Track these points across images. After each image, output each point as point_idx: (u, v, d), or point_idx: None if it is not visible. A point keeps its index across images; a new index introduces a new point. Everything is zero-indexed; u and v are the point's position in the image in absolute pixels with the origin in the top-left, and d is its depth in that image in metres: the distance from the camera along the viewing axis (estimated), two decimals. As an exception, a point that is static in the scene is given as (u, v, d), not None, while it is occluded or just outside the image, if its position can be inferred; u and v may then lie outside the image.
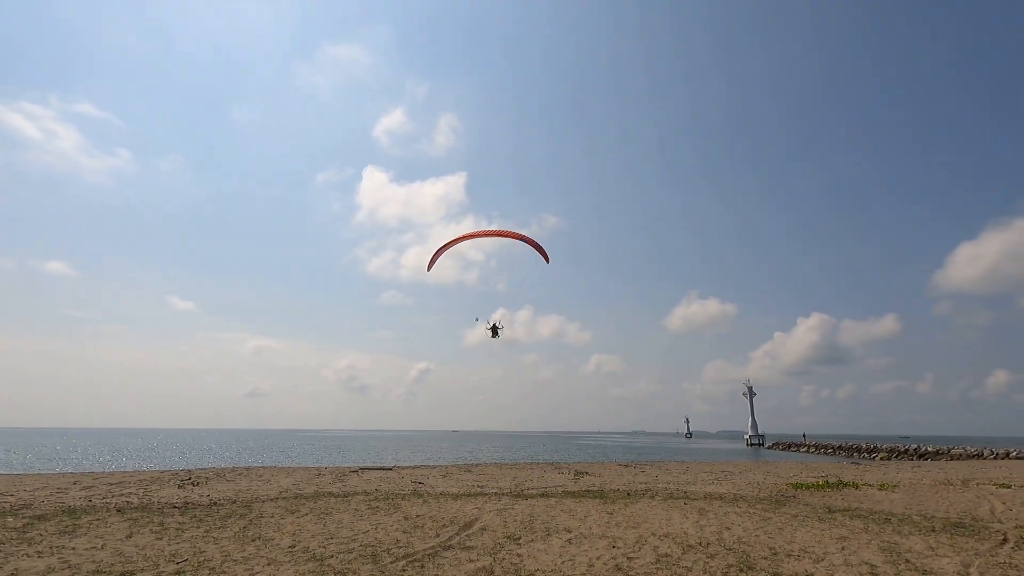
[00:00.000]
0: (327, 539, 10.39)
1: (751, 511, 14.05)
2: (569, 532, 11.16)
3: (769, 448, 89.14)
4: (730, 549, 9.74)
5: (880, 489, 19.97)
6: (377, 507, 14.29)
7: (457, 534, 10.97)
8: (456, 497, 16.60)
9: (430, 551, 9.49)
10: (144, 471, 28.17)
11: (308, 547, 9.73)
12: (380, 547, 9.75)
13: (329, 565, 8.51)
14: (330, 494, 17.21)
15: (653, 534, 11.00)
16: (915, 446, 66.08)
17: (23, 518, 12.06)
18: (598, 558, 9.12)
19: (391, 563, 8.68)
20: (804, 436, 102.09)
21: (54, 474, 25.99)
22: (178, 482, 20.97)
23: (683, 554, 9.39)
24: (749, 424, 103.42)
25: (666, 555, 9.31)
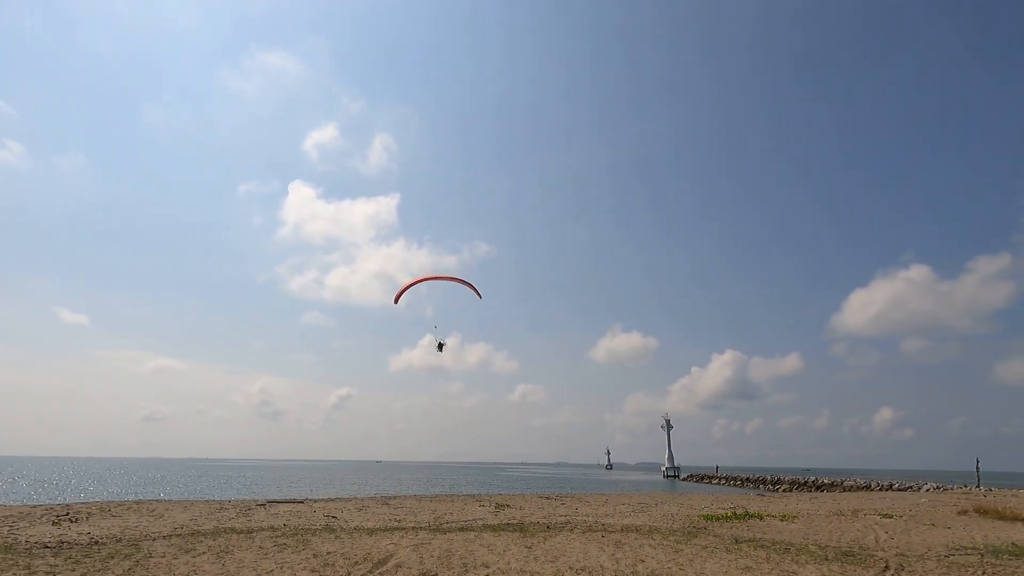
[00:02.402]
0: (225, 581, 9.60)
1: (665, 543, 14.43)
2: (487, 567, 10.96)
3: (684, 480, 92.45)
4: (643, 582, 9.93)
5: (782, 520, 21.15)
6: (284, 544, 13.40)
7: (370, 572, 10.49)
8: (371, 532, 15.89)
9: (339, 591, 8.99)
10: (12, 505, 24.89)
11: (202, 590, 8.93)
12: (284, 588, 9.12)
13: (225, 610, 7.85)
14: (232, 530, 15.95)
15: (570, 568, 11.03)
16: (814, 478, 70.86)
17: None
18: (514, 594, 9.00)
19: (295, 605, 8.14)
20: (717, 468, 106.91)
21: None
22: (53, 518, 18.68)
23: (598, 588, 9.46)
24: (666, 456, 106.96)
25: (582, 589, 9.34)
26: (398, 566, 11.03)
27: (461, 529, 16.95)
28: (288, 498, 32.52)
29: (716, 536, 16.16)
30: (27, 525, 16.94)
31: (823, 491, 56.81)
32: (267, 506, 25.42)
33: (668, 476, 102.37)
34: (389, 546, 13.30)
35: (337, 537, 14.72)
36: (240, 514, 21.47)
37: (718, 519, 21.24)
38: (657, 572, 10.77)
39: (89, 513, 20.51)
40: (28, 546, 12.76)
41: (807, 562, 12.07)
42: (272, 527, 16.90)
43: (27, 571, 10.03)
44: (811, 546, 14.45)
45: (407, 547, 13.17)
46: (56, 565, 10.59)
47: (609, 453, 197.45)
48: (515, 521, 19.89)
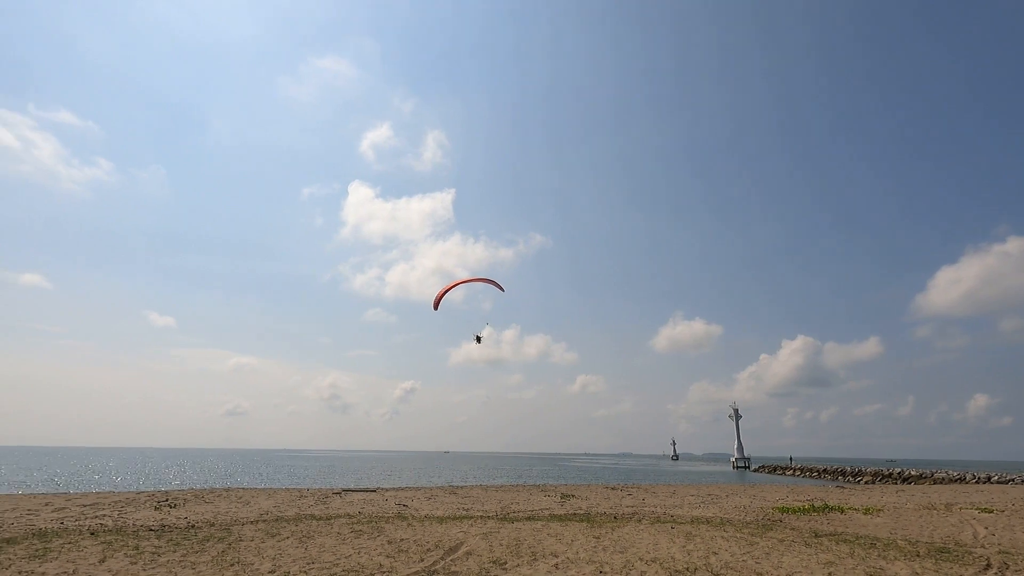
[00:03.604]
0: (308, 564, 10.15)
1: (738, 535, 13.99)
2: (556, 557, 11.02)
3: (755, 471, 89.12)
4: (717, 574, 9.67)
5: (865, 513, 20.02)
6: (360, 530, 14.02)
7: (442, 559, 10.78)
8: (441, 520, 16.34)
9: (414, 576, 9.31)
10: (119, 492, 27.40)
11: (289, 572, 9.49)
12: (363, 572, 9.54)
13: (310, 591, 8.31)
14: (312, 517, 16.85)
15: (640, 559, 10.90)
16: (899, 470, 66.53)
17: (-9, 541, 11.64)
18: (585, 584, 9.00)
19: (374, 589, 8.49)
20: (791, 459, 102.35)
21: (24, 495, 25.17)
22: (154, 504, 20.41)
23: (670, 579, 9.30)
24: (735, 446, 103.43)
25: (653, 581, 9.22)
26: (469, 553, 11.28)
27: (528, 518, 17.12)
28: (361, 487, 33.94)
29: (793, 529, 15.50)
30: (133, 510, 18.60)
31: (910, 483, 53.22)
32: (342, 494, 26.67)
33: (738, 467, 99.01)
34: (459, 534, 13.62)
35: (409, 525, 15.23)
36: (318, 502, 22.64)
37: (795, 511, 20.37)
38: (731, 565, 10.46)
39: (185, 500, 22.26)
40: (135, 528, 14.00)
41: (896, 558, 11.36)
42: (348, 514, 17.71)
43: (135, 551, 11.01)
44: (900, 541, 13.59)
45: (476, 535, 13.44)
46: (160, 546, 11.56)
47: (674, 443, 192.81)
48: (581, 511, 19.88)
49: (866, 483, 56.58)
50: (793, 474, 76.80)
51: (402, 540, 12.70)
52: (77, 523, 15.07)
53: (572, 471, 77.01)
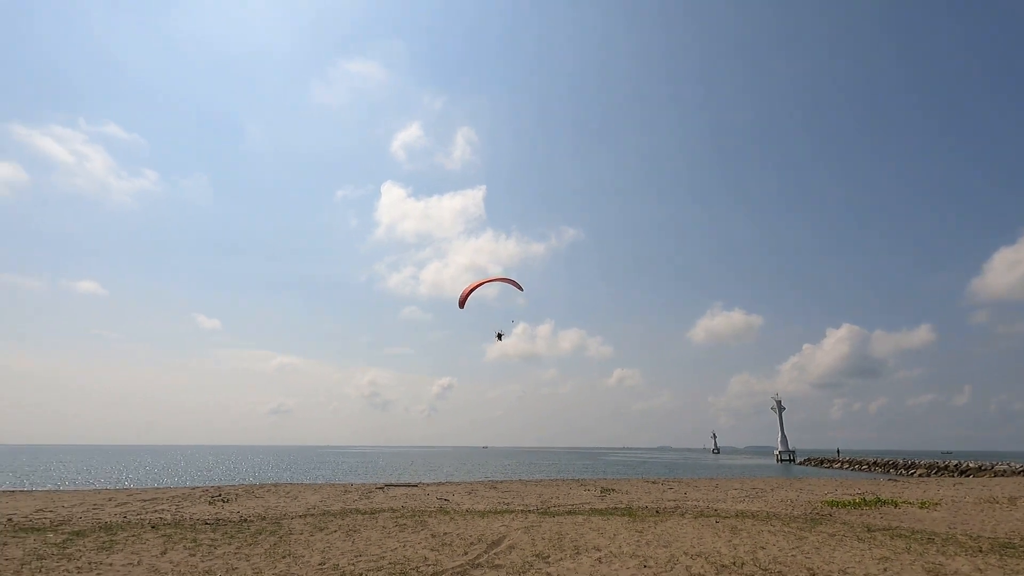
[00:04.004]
0: (356, 556, 10.42)
1: (786, 530, 13.66)
2: (599, 551, 10.99)
3: (800, 464, 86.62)
4: (765, 569, 9.47)
5: (921, 507, 19.24)
6: (404, 524, 14.29)
7: (485, 552, 10.90)
8: (483, 514, 16.50)
9: (459, 569, 9.44)
10: (175, 487, 28.67)
11: (338, 564, 9.76)
12: (409, 565, 9.74)
13: (359, 583, 8.53)
14: (357, 511, 17.26)
15: (685, 553, 10.77)
16: (956, 462, 63.56)
17: (62, 534, 12.37)
18: (629, 578, 8.95)
19: (420, 581, 8.65)
20: (838, 452, 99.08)
21: (89, 490, 26.62)
22: (208, 498, 21.28)
23: (717, 574, 9.16)
24: (779, 439, 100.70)
25: (699, 574, 9.10)
26: (512, 547, 11.36)
27: (569, 513, 17.11)
28: (403, 482, 34.56)
29: (844, 523, 15.02)
30: (189, 504, 19.44)
31: (968, 476, 50.77)
32: (385, 489, 27.22)
33: (782, 460, 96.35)
34: (501, 528, 13.73)
35: (451, 519, 15.44)
36: (362, 496, 23.18)
37: (845, 505, 19.73)
38: (780, 560, 10.23)
39: (237, 494, 23.12)
40: (192, 522, 14.64)
41: (957, 554, 10.88)
42: (392, 508, 18.07)
43: (194, 543, 11.51)
44: (960, 536, 13.01)
45: (518, 529, 13.53)
46: (215, 539, 12.05)
47: (715, 436, 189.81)
48: (622, 505, 19.75)
49: (920, 476, 54.29)
50: (841, 467, 74.33)
51: (445, 534, 12.89)
52: (139, 517, 15.86)
53: (610, 465, 76.50)
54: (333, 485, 30.62)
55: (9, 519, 15.00)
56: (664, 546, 11.48)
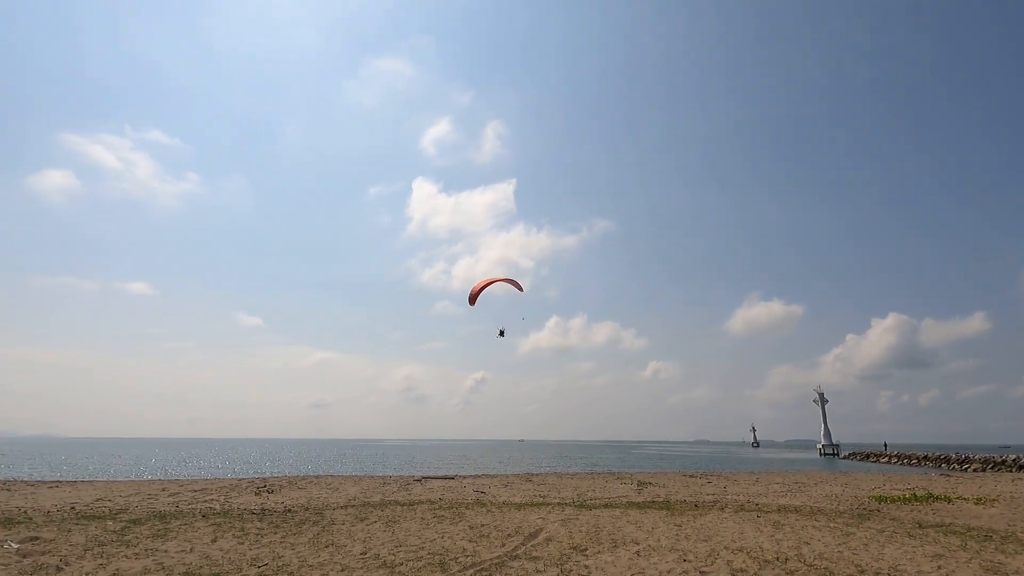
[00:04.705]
0: (396, 547, 10.62)
1: (831, 525, 13.27)
2: (637, 544, 10.91)
3: (845, 458, 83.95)
4: (811, 565, 9.23)
5: (977, 503, 18.40)
6: (442, 516, 14.49)
7: (523, 544, 10.95)
8: (519, 507, 16.59)
9: (497, 561, 9.52)
10: (223, 479, 29.80)
11: (379, 554, 9.98)
12: (447, 555, 9.87)
13: (400, 572, 8.69)
14: (396, 502, 17.60)
15: (726, 548, 10.58)
16: (1014, 456, 60.49)
17: (120, 522, 13.02)
18: (668, 571, 8.86)
19: (459, 572, 8.76)
20: (885, 445, 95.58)
21: (144, 481, 27.93)
22: (254, 490, 22.05)
23: (760, 569, 8.97)
24: (822, 432, 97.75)
25: (741, 570, 8.93)
26: (549, 539, 11.39)
27: (606, 506, 17.04)
28: (440, 474, 35.04)
29: (894, 519, 14.50)
30: (237, 495, 20.18)
31: (1028, 471, 48.22)
32: (423, 481, 27.66)
33: (825, 454, 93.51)
34: (537, 520, 13.78)
35: (488, 511, 15.58)
36: (401, 488, 23.62)
37: (894, 501, 19.05)
38: (826, 556, 9.94)
39: (281, 486, 23.88)
40: (240, 512, 15.19)
41: (1017, 552, 10.37)
42: (430, 500, 18.35)
43: (242, 532, 11.95)
44: (1020, 534, 12.39)
45: (555, 522, 13.55)
46: (262, 528, 12.48)
47: (754, 430, 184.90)
48: (660, 499, 19.55)
49: (975, 471, 51.88)
50: (889, 461, 71.70)
51: (483, 525, 13.01)
52: (190, 506, 16.55)
53: (647, 459, 75.78)
54: (372, 477, 31.31)
55: (72, 507, 15.87)
56: (704, 540, 11.31)
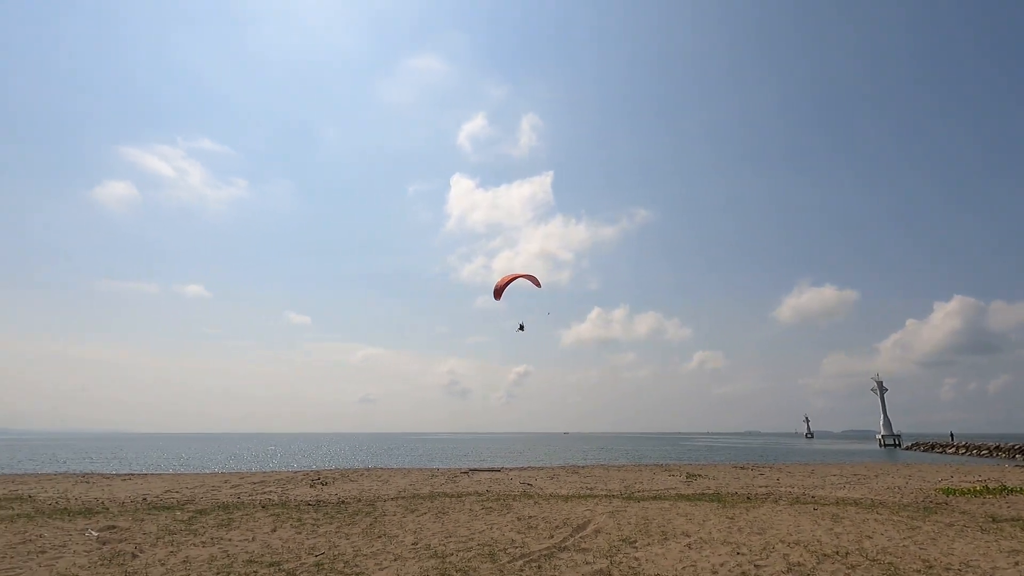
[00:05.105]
0: (446, 537, 10.81)
1: (895, 518, 12.70)
2: (688, 536, 10.73)
3: (907, 449, 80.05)
4: (873, 560, 8.85)
5: (1057, 496, 17.23)
6: (490, 507, 14.64)
7: (571, 535, 10.95)
8: (566, 499, 16.59)
9: (546, 552, 9.55)
10: (280, 471, 31.03)
11: (429, 545, 10.18)
12: (497, 546, 9.97)
13: (450, 563, 8.84)
14: (444, 494, 17.90)
15: (781, 541, 10.29)
16: (1098, 446, 56.17)
17: (188, 512, 13.75)
18: (722, 564, 8.68)
19: (509, 563, 8.84)
20: (951, 436, 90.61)
21: (207, 474, 29.39)
22: (309, 482, 22.87)
23: (818, 564, 8.68)
24: (881, 422, 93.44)
25: (798, 564, 8.66)
26: (597, 531, 11.35)
27: (654, 498, 16.84)
28: (486, 467, 35.41)
29: (963, 513, 13.75)
30: (293, 487, 20.98)
31: (1115, 462, 44.72)
32: (470, 473, 28.03)
33: (885, 445, 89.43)
34: (585, 512, 13.74)
35: (536, 503, 15.64)
36: (448, 480, 24.01)
37: (963, 493, 18.06)
38: (890, 551, 9.52)
39: (334, 478, 24.67)
40: (296, 503, 15.79)
41: (1105, 548, 9.65)
42: (477, 492, 18.58)
43: (299, 523, 12.42)
44: (1108, 529, 11.53)
45: (603, 514, 13.48)
46: (318, 519, 12.93)
47: (808, 420, 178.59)
48: (710, 491, 19.17)
49: (1054, 462, 48.50)
50: (956, 452, 67.90)
51: (531, 517, 13.08)
52: (251, 498, 17.32)
53: (694, 450, 74.35)
54: (420, 470, 31.94)
55: (144, 498, 16.88)
56: (758, 533, 11.03)
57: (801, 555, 9.20)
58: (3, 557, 9.14)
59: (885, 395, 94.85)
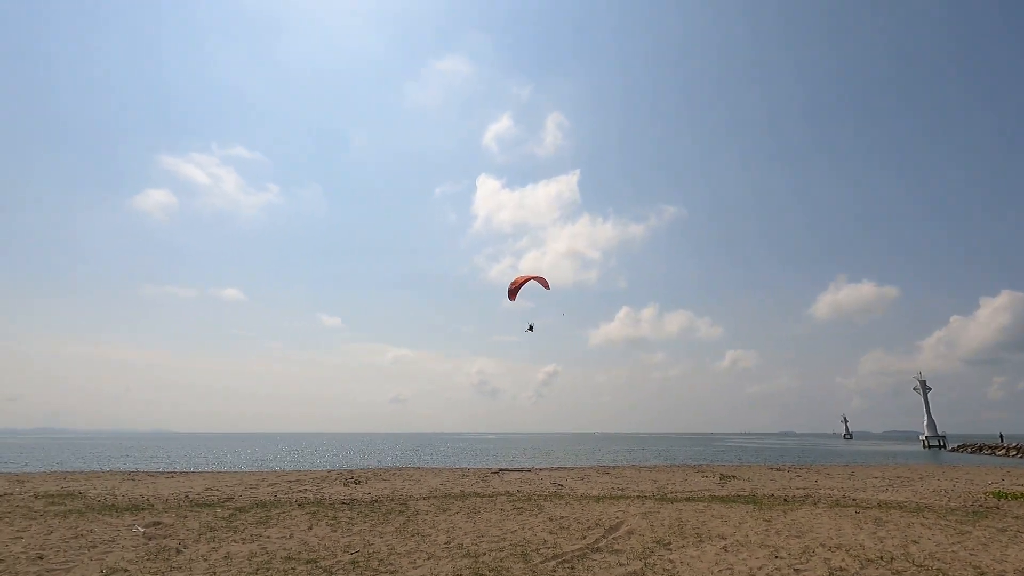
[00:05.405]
0: (478, 537, 10.86)
1: (942, 523, 12.21)
2: (723, 539, 10.54)
3: (952, 451, 76.87)
4: (920, 566, 8.53)
5: (1119, 501, 16.31)
6: (522, 507, 14.65)
7: (604, 536, 10.87)
8: (598, 499, 16.48)
9: (578, 553, 9.50)
10: (314, 470, 31.66)
11: (462, 544, 10.24)
12: (529, 547, 9.97)
13: (483, 562, 8.87)
14: (476, 494, 17.98)
15: (822, 545, 10.00)
16: None
17: (228, 509, 14.15)
18: (760, 568, 8.49)
19: (541, 563, 8.82)
20: (1001, 437, 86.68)
21: (245, 472, 30.20)
22: (343, 481, 23.27)
23: (861, 568, 8.41)
24: (925, 423, 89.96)
25: (840, 568, 8.40)
26: (630, 532, 11.23)
27: (687, 499, 16.59)
28: (516, 467, 35.45)
29: (1017, 518, 13.14)
30: (327, 486, 21.38)
31: None
32: (500, 473, 28.10)
33: (930, 446, 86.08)
34: (618, 513, 13.62)
35: (567, 503, 15.58)
36: (479, 480, 24.11)
37: (1016, 497, 17.26)
38: (938, 556, 9.16)
39: (367, 477, 25.05)
40: (331, 502, 16.09)
41: None
42: (508, 492, 18.61)
43: (334, 521, 12.65)
44: None
45: (635, 515, 13.34)
46: (352, 517, 13.15)
47: (846, 420, 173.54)
48: (745, 493, 18.78)
49: (1115, 465, 45.92)
50: (1006, 454, 64.92)
51: (562, 518, 13.03)
52: (287, 496, 17.73)
53: (728, 451, 72.92)
54: (451, 469, 32.17)
55: (187, 495, 17.45)
56: (796, 536, 10.75)
57: (843, 560, 8.93)
58: (57, 551, 9.56)
59: (929, 394, 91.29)
